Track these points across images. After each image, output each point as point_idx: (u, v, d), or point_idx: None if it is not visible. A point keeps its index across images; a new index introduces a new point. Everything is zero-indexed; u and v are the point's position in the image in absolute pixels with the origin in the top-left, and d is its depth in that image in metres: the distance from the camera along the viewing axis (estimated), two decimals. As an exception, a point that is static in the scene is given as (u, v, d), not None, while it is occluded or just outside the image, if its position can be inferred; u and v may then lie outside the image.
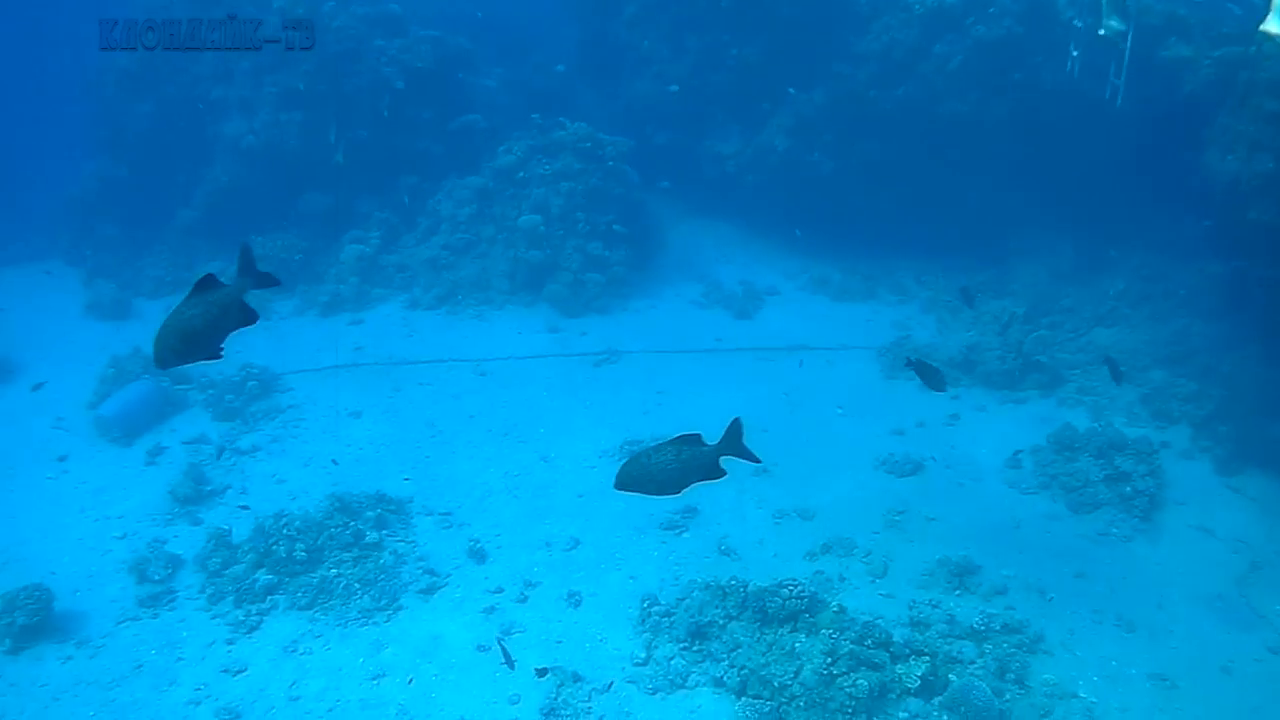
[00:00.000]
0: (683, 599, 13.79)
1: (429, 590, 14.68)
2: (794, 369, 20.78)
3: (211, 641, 13.89)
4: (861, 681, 11.93)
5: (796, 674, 12.17)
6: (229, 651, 13.72)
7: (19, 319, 25.57)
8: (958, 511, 16.13)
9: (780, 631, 12.85)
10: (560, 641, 13.61)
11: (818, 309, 23.88)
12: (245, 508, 16.56)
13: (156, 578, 15.00)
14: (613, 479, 7.91)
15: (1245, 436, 17.08)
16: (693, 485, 7.80)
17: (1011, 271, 23.52)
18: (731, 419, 7.69)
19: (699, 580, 14.03)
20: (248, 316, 6.64)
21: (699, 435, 7.81)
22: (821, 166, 24.93)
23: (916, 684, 12.13)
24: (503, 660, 13.05)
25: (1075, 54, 20.60)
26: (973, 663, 12.77)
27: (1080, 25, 20.47)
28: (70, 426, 19.74)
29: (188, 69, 27.33)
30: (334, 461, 17.92)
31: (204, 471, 17.57)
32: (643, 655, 13.20)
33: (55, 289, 27.53)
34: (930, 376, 15.19)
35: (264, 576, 14.72)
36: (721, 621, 13.27)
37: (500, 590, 14.60)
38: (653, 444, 16.47)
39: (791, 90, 25.06)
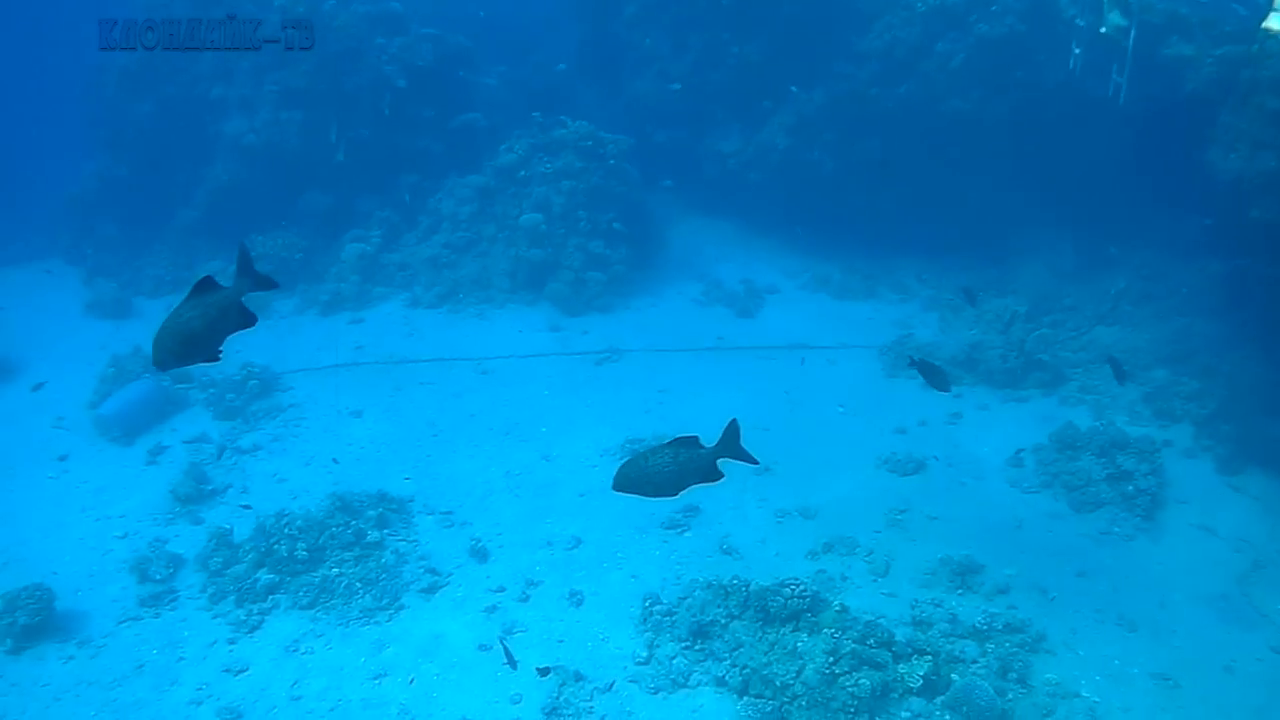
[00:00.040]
0: (685, 598, 13.77)
1: (430, 589, 14.67)
2: (795, 368, 20.76)
3: (213, 641, 13.89)
4: (864, 681, 11.91)
5: (799, 673, 12.15)
6: (230, 651, 13.71)
7: (20, 318, 25.58)
8: (960, 510, 16.11)
9: (782, 631, 12.83)
10: (562, 641, 13.60)
11: (819, 307, 23.86)
12: (247, 507, 16.55)
13: (158, 577, 15.00)
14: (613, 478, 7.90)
15: (1247, 435, 17.05)
16: (691, 487, 7.78)
17: (1013, 270, 23.48)
18: (729, 420, 7.66)
19: (701, 579, 14.01)
20: (246, 319, 6.62)
21: (696, 437, 7.78)
22: (823, 165, 24.90)
23: (919, 683, 12.11)
24: (505, 660, 13.04)
25: (1077, 52, 20.61)
26: (975, 662, 12.75)
27: (1083, 24, 20.47)
28: (71, 426, 19.74)
29: (188, 68, 27.32)
30: (335, 460, 17.90)
31: (205, 471, 17.56)
32: (645, 654, 13.19)
33: (56, 288, 27.56)
34: (934, 376, 15.18)
35: (265, 576, 14.72)
36: (723, 621, 13.26)
37: (502, 589, 14.59)
38: (654, 442, 16.63)
39: (794, 89, 25.04)
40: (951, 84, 22.93)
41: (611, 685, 12.80)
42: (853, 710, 11.79)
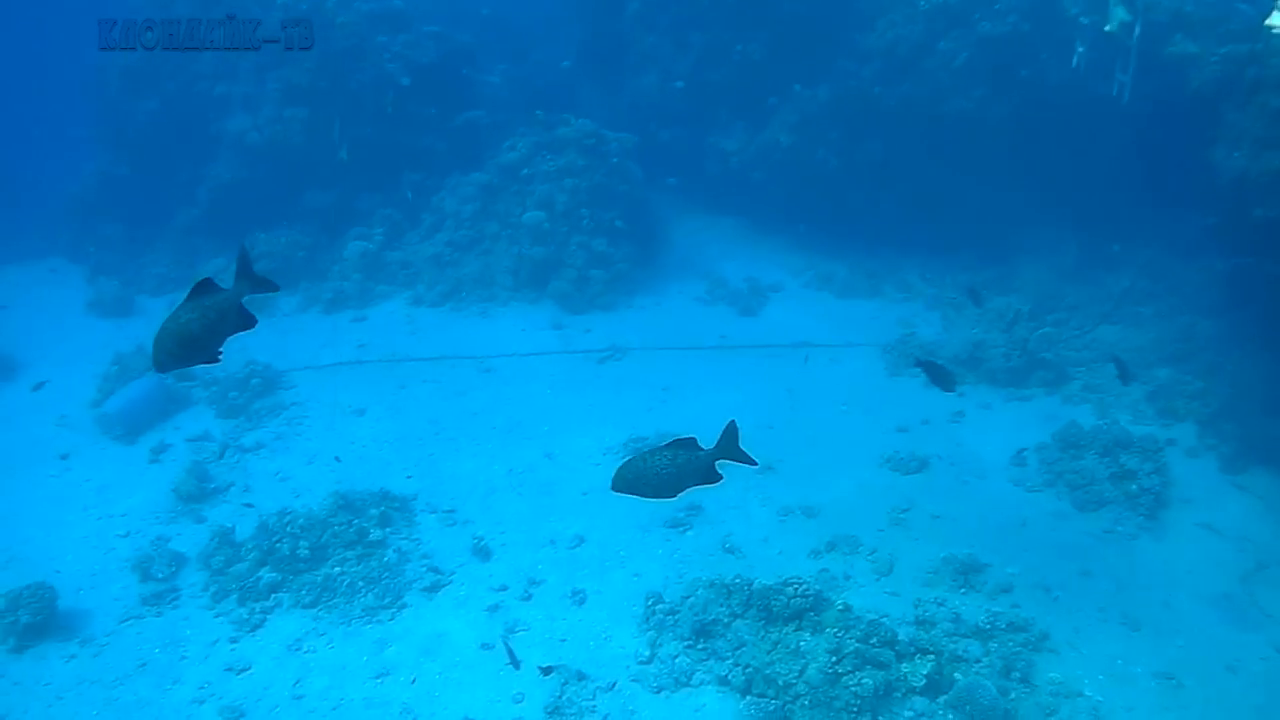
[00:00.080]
0: (687, 597, 13.73)
1: (433, 588, 14.66)
2: (798, 366, 20.75)
3: (215, 640, 13.89)
4: (866, 680, 11.90)
5: (801, 672, 12.14)
6: (233, 650, 13.72)
7: (23, 316, 25.61)
8: (963, 509, 16.08)
9: (785, 630, 12.81)
10: (564, 639, 13.59)
11: (822, 306, 23.83)
12: (250, 505, 16.55)
13: (160, 576, 15.00)
14: None
15: (1251, 434, 17.02)
16: (690, 489, 7.75)
17: (1016, 268, 23.44)
18: (728, 421, 7.64)
19: (703, 578, 13.97)
20: (246, 321, 6.61)
21: (694, 439, 7.75)
22: (826, 163, 24.87)
23: (922, 683, 12.09)
24: (508, 660, 13.03)
25: (1081, 51, 20.57)
26: (978, 661, 12.72)
27: (1087, 22, 20.43)
28: (73, 424, 19.75)
29: (190, 66, 27.32)
30: (337, 458, 17.89)
31: (207, 469, 17.56)
32: (647, 653, 13.17)
33: (58, 286, 27.59)
34: (940, 376, 15.15)
35: (268, 574, 14.72)
36: (726, 620, 13.24)
37: (504, 588, 14.58)
38: (657, 440, 16.64)
39: (798, 87, 25.01)
40: (955, 82, 22.91)
41: (614, 684, 12.78)
42: (856, 709, 11.77)
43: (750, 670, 12.45)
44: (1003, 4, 22.29)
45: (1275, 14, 16.13)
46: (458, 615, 14.13)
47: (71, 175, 29.94)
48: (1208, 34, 18.79)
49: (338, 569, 14.78)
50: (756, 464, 7.72)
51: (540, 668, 12.94)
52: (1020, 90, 22.51)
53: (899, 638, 12.57)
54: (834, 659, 12.11)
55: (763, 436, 17.66)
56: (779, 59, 25.53)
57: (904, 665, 12.28)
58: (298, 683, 13.07)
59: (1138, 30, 19.36)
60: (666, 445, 7.63)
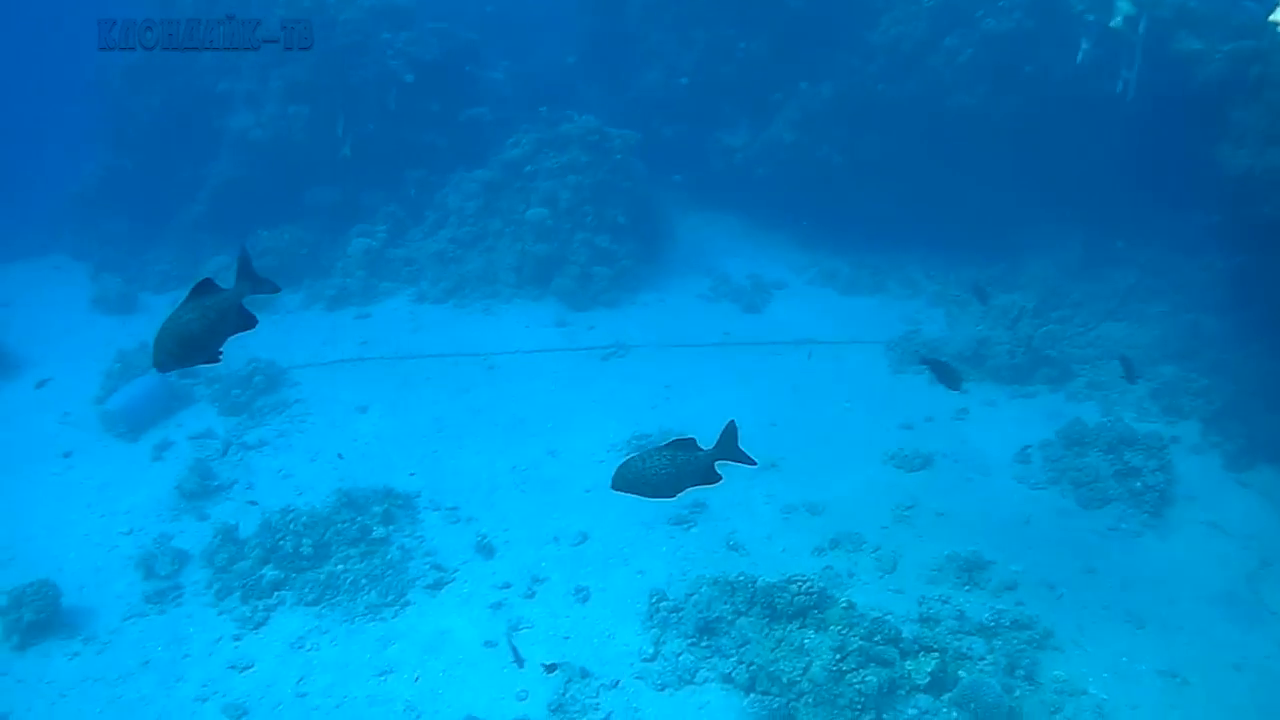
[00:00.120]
0: (691, 594, 13.71)
1: (436, 585, 14.65)
2: (802, 363, 20.72)
3: (218, 637, 13.88)
4: (870, 678, 11.88)
5: (805, 670, 12.13)
6: (236, 647, 13.71)
7: (26, 313, 25.61)
8: (967, 506, 16.06)
9: (789, 627, 12.79)
10: (568, 637, 13.57)
11: (826, 302, 23.81)
12: (254, 503, 16.55)
13: (163, 573, 15.00)
14: None
15: (1256, 431, 17.00)
16: (689, 490, 7.73)
17: (1020, 265, 23.40)
18: (727, 422, 7.61)
19: (707, 576, 13.94)
20: (246, 321, 6.59)
21: (694, 440, 7.73)
22: (830, 160, 24.85)
23: (926, 680, 12.07)
24: (512, 659, 13.02)
25: (1086, 47, 20.52)
26: (982, 659, 12.69)
27: (1092, 18, 20.38)
28: (76, 421, 19.75)
29: (193, 63, 27.27)
30: (339, 455, 17.89)
31: (210, 466, 17.54)
32: (651, 651, 13.16)
33: (62, 283, 27.58)
34: (946, 374, 15.12)
35: (271, 572, 14.72)
36: (730, 617, 13.21)
37: (508, 585, 14.57)
38: (661, 437, 16.62)
39: (803, 84, 24.98)
40: (959, 79, 22.87)
41: (617, 682, 12.77)
42: (859, 707, 11.75)
43: (754, 668, 12.44)
44: (1007, 1, 22.24)
45: (1279, 10, 16.08)
46: (461, 613, 14.12)
47: (75, 172, 29.94)
48: (1213, 30, 18.76)
49: (341, 567, 14.77)
50: (756, 463, 7.70)
51: (544, 665, 12.94)
52: (1024, 87, 22.47)
53: (903, 635, 12.55)
54: (838, 656, 12.10)
55: (766, 434, 17.65)
56: (783, 56, 25.51)
57: (908, 663, 12.26)
58: (301, 680, 13.07)
59: (1142, 26, 19.32)
60: (665, 445, 7.60)
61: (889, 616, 12.88)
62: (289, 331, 22.38)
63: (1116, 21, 19.65)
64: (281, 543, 14.99)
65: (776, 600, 12.98)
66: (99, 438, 19.15)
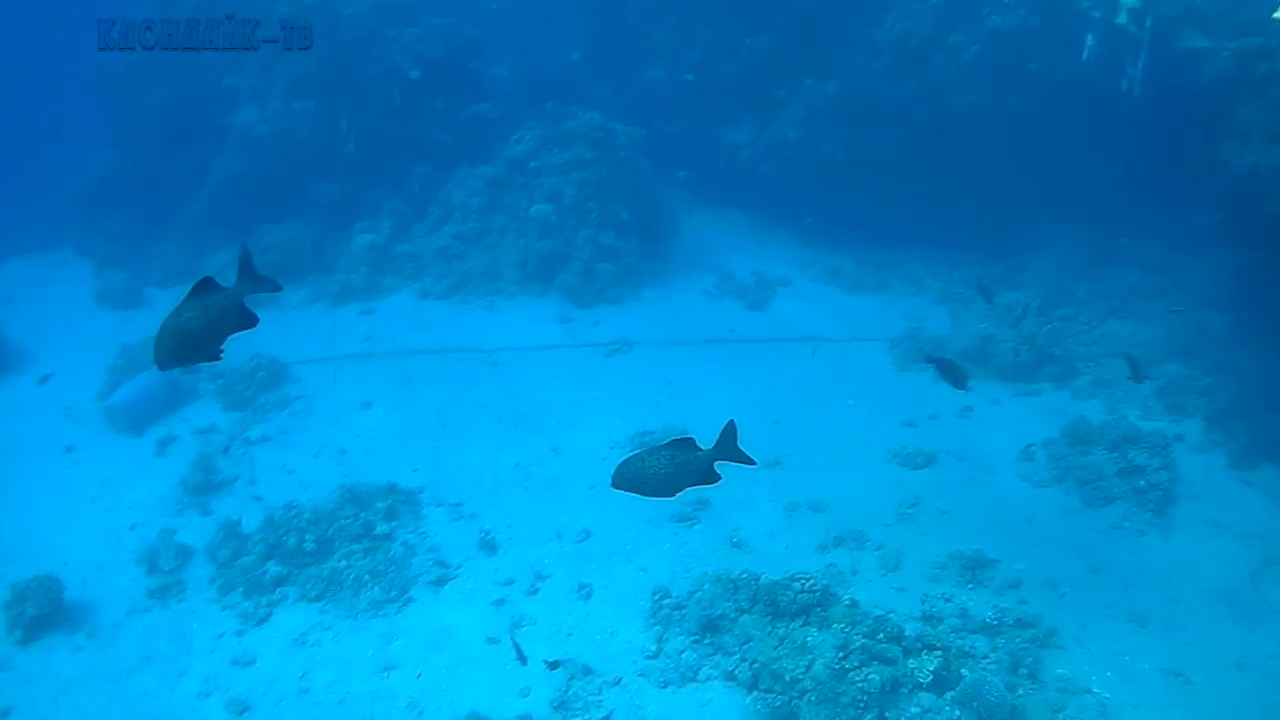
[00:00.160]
0: (694, 592, 13.73)
1: (439, 582, 14.66)
2: (806, 360, 20.69)
3: (221, 633, 13.91)
4: (873, 676, 11.86)
5: (808, 668, 12.11)
6: (239, 643, 13.75)
7: (31, 308, 25.66)
8: (971, 504, 16.04)
9: (792, 625, 12.78)
10: (571, 634, 13.59)
11: (830, 300, 23.76)
12: (259, 499, 16.56)
13: (166, 568, 15.03)
14: None
15: (1260, 430, 16.97)
16: (687, 489, 7.74)
17: (1025, 263, 23.34)
18: (726, 421, 7.60)
19: (710, 573, 13.95)
20: (247, 320, 6.59)
21: (693, 439, 7.73)
22: (834, 157, 24.82)
23: (929, 679, 12.05)
24: (515, 656, 13.02)
25: (1091, 44, 20.48)
26: (985, 657, 12.68)
27: (1097, 15, 20.35)
28: (80, 416, 19.77)
29: (198, 58, 27.22)
30: (342, 451, 17.90)
31: (214, 462, 17.55)
32: (654, 648, 13.17)
33: (66, 278, 27.63)
34: (953, 374, 15.09)
35: (274, 568, 14.73)
36: (733, 615, 13.21)
37: (511, 582, 14.58)
38: (664, 434, 16.61)
39: (808, 81, 24.96)
40: (963, 76, 22.82)
41: (620, 679, 12.79)
42: (862, 705, 11.74)
43: (757, 665, 12.43)
44: (1013, -3, 22.25)
45: (1283, 6, 16.08)
46: (464, 609, 14.14)
47: (79, 168, 29.99)
48: (1219, 28, 18.73)
49: (344, 562, 14.78)
50: (755, 463, 7.69)
51: (546, 662, 12.94)
52: (1029, 84, 22.42)
53: (906, 633, 12.55)
54: (841, 654, 12.08)
55: (770, 431, 17.64)
56: (787, 53, 25.48)
57: (911, 661, 12.25)
58: (303, 676, 13.09)
59: (1148, 23, 19.28)
60: (665, 445, 7.61)
61: (892, 614, 12.88)
62: (292, 327, 22.37)
63: (1122, 18, 19.62)
64: (285, 538, 15.01)
65: (779, 598, 12.97)
66: (103, 433, 19.18)
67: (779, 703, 11.98)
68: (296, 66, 25.67)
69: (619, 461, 7.63)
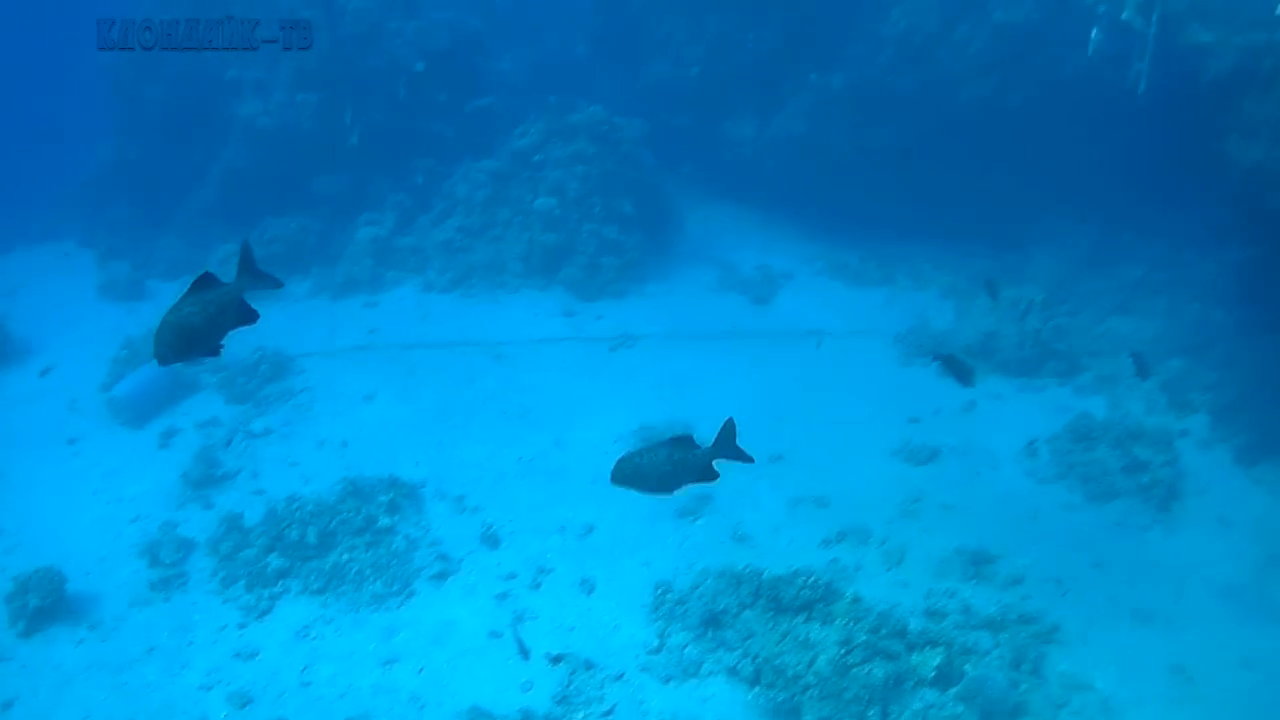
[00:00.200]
0: (697, 586, 13.71)
1: (441, 576, 14.64)
2: (809, 355, 20.65)
3: (223, 625, 13.90)
4: (876, 671, 11.85)
5: (811, 663, 12.08)
6: (241, 636, 13.73)
7: (34, 299, 25.66)
8: (974, 500, 16.00)
9: (795, 620, 12.76)
10: (573, 628, 13.55)
11: (835, 295, 23.72)
12: (261, 491, 16.56)
13: (168, 561, 15.02)
14: None
15: (1265, 426, 16.91)
16: (686, 487, 7.74)
17: (1029, 258, 23.27)
18: (725, 420, 7.59)
19: (713, 568, 13.94)
20: (247, 316, 6.58)
21: (691, 437, 7.73)
22: (839, 151, 24.78)
23: (932, 674, 12.03)
24: (517, 649, 13.01)
25: (1097, 39, 20.41)
26: (988, 653, 12.66)
27: (1103, 10, 20.27)
28: (83, 408, 19.77)
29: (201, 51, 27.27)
30: (344, 443, 17.89)
31: (216, 454, 17.55)
32: (656, 643, 13.15)
33: (70, 269, 27.64)
34: (960, 371, 15.05)
35: (276, 560, 14.71)
36: (735, 610, 13.19)
37: (513, 576, 14.55)
38: (668, 428, 16.58)
39: (813, 75, 24.91)
40: (969, 71, 22.77)
41: (622, 674, 12.75)
42: (865, 701, 11.72)
43: (759, 661, 12.40)
44: (1018, -9, 22.19)
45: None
46: (466, 603, 14.12)
47: (83, 159, 30.00)
48: (1225, 22, 18.62)
49: (346, 556, 14.76)
50: (753, 461, 7.68)
51: (549, 656, 12.92)
52: (1034, 78, 22.37)
53: (909, 629, 12.54)
54: (844, 650, 12.06)
55: (773, 426, 17.59)
56: (793, 46, 25.42)
57: (914, 656, 12.23)
58: (305, 669, 13.07)
59: (1154, 18, 19.21)
60: (664, 443, 7.61)
61: (895, 610, 12.87)
62: (296, 320, 22.35)
63: (1127, 13, 19.55)
64: (287, 531, 14.99)
65: (782, 593, 12.96)
66: (105, 425, 19.18)
67: (781, 698, 11.95)
68: (300, 59, 25.63)
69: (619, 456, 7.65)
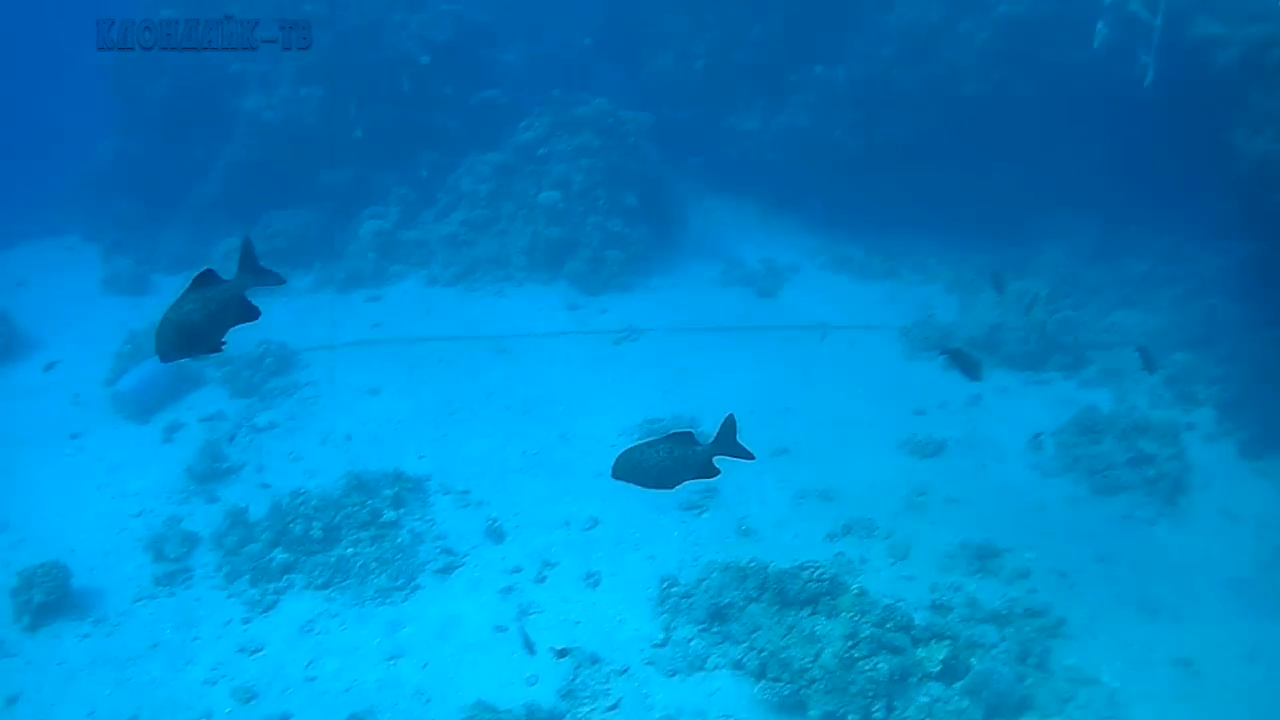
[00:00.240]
0: (702, 580, 13.67)
1: (446, 570, 14.63)
2: (815, 348, 20.64)
3: (228, 620, 13.88)
4: (882, 665, 11.82)
5: (816, 657, 12.05)
6: (245, 630, 13.71)
7: (38, 293, 25.66)
8: (980, 493, 15.97)
9: (800, 614, 12.72)
10: (578, 622, 13.53)
11: (839, 288, 23.69)
12: (266, 486, 16.55)
13: (173, 555, 15.00)
14: None
15: (1271, 419, 16.86)
16: (686, 483, 7.72)
17: (1035, 251, 23.25)
18: (725, 417, 7.57)
19: (718, 561, 13.89)
20: (248, 312, 6.54)
21: (691, 433, 7.72)
22: (844, 144, 24.77)
23: (938, 668, 12.00)
24: (522, 644, 12.99)
25: (1103, 31, 20.37)
26: (994, 647, 12.62)
27: (1109, 2, 20.23)
28: (87, 403, 19.76)
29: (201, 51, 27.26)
30: (348, 437, 17.88)
31: (220, 449, 17.53)
32: (661, 637, 13.12)
33: (74, 264, 27.63)
34: (967, 365, 15.00)
35: (280, 555, 14.69)
36: (741, 603, 13.16)
37: (518, 570, 14.53)
38: (673, 422, 16.58)
39: (818, 68, 24.87)
40: (974, 63, 22.76)
41: (627, 668, 12.73)
42: (871, 694, 11.69)
43: (765, 654, 12.37)
44: (1023, -16, 22.14)
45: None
46: (471, 597, 14.10)
47: (87, 153, 29.97)
48: (1232, 14, 18.58)
49: (351, 550, 14.74)
50: (754, 458, 7.66)
51: (554, 650, 12.90)
52: (1039, 72, 22.33)
53: (915, 622, 12.49)
54: (849, 644, 12.03)
55: (778, 419, 17.57)
56: (798, 39, 25.41)
57: (919, 650, 12.20)
58: (310, 664, 13.06)
59: (1161, 9, 19.16)
60: (664, 438, 7.59)
61: (901, 603, 12.82)
62: (300, 314, 22.32)
63: (1134, 4, 19.50)
64: (291, 526, 14.97)
65: (788, 587, 12.92)
66: (109, 419, 19.18)
67: (787, 692, 11.93)
68: (304, 53, 25.59)
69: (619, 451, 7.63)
